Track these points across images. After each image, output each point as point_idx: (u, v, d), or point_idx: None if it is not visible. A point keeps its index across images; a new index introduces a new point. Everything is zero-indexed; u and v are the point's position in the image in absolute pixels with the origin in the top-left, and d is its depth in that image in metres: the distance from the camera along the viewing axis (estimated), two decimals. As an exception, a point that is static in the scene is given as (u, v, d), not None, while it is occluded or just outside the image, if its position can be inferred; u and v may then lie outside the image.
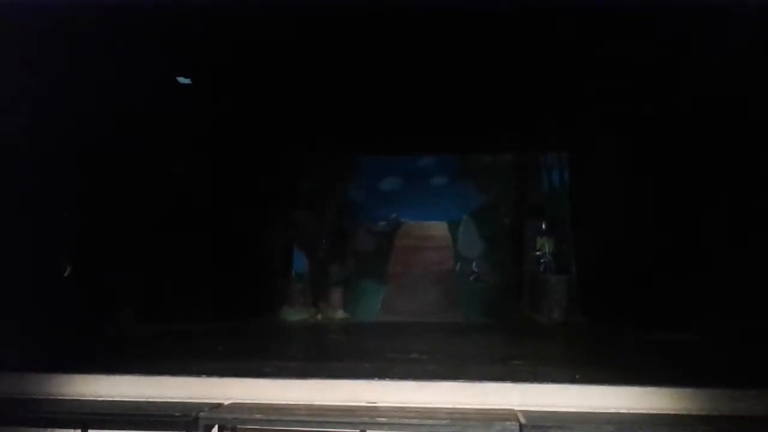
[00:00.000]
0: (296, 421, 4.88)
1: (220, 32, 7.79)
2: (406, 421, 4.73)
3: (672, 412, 4.82)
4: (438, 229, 11.92)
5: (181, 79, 9.51)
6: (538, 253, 11.39)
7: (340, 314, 11.77)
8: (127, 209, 8.56)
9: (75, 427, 5.13)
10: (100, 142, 8.17)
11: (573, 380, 5.29)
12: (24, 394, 5.33)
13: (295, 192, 12.05)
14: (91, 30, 7.23)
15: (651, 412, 4.83)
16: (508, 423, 4.55)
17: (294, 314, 11.71)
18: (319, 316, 11.79)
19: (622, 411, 4.84)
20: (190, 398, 5.19)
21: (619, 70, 8.39)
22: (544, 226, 11.44)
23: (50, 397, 5.31)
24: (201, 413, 4.85)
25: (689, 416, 4.75)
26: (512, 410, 4.81)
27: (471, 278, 11.71)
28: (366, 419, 4.78)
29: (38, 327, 6.40)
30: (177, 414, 4.88)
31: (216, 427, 4.99)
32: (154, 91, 8.93)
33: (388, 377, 5.33)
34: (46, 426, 5.19)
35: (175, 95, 9.48)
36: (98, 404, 5.18)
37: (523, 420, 4.59)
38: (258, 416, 4.90)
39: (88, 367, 5.74)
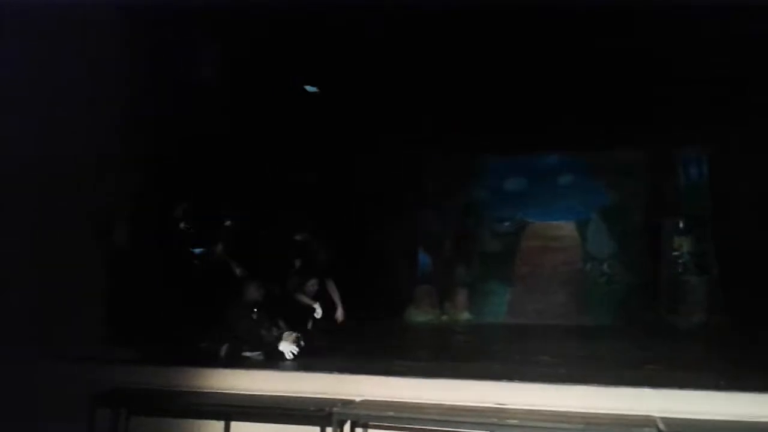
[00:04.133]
0: (427, 419, 4.94)
1: (344, 37, 8.03)
2: (538, 424, 4.66)
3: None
4: (565, 228, 11.58)
5: (309, 88, 9.90)
6: (675, 252, 10.77)
7: (465, 316, 11.72)
8: (256, 215, 8.98)
9: (219, 419, 5.49)
10: (233, 149, 8.70)
11: (717, 386, 4.99)
12: (173, 387, 5.74)
13: (420, 193, 12.13)
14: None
15: (807, 421, 4.48)
16: (647, 429, 4.39)
17: (420, 315, 11.80)
18: (445, 318, 11.81)
19: (773, 420, 4.52)
20: (324, 394, 5.36)
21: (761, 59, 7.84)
22: (681, 224, 10.81)
23: (196, 390, 5.68)
24: (335, 409, 5.02)
25: None
26: (650, 416, 4.60)
27: (602, 279, 11.27)
28: (496, 420, 4.76)
29: (185, 324, 6.85)
30: (312, 409, 5.08)
31: (348, 422, 5.16)
32: (280, 100, 9.36)
33: (517, 379, 5.27)
34: (193, 417, 5.58)
35: (303, 103, 9.87)
36: (240, 398, 5.48)
37: (662, 427, 4.40)
38: (389, 413, 5.01)
39: (230, 363, 6.13)
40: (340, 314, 8.42)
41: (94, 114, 6.72)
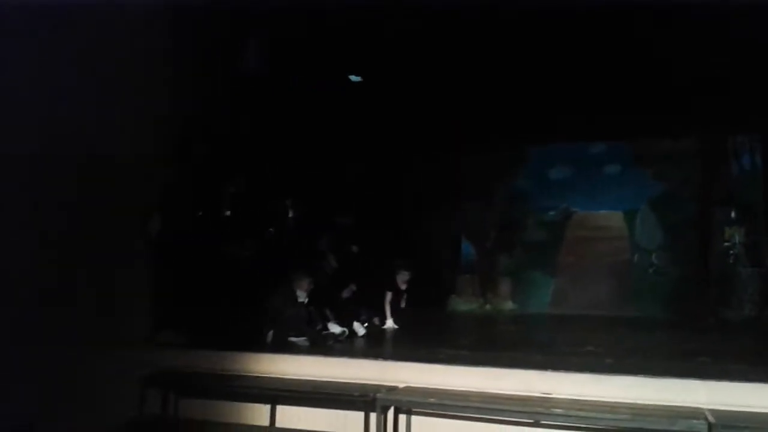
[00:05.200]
0: (470, 407, 4.94)
1: (386, 32, 8.04)
2: (583, 414, 4.62)
3: None
4: (612, 219, 11.38)
5: (353, 77, 9.93)
6: (726, 243, 10.47)
7: (508, 305, 11.68)
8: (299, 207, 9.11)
9: (265, 402, 5.60)
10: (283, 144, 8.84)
11: (768, 379, 4.86)
12: (220, 370, 5.88)
13: (464, 183, 12.07)
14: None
15: None
16: (695, 421, 4.30)
17: (462, 304, 11.81)
18: (488, 307, 11.78)
19: (826, 414, 4.38)
20: (368, 380, 5.43)
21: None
22: (733, 215, 10.49)
23: (243, 374, 5.80)
24: (378, 395, 5.06)
25: None
26: (699, 408, 4.52)
27: (650, 270, 11.04)
28: (541, 410, 4.73)
29: (234, 310, 7.01)
30: (356, 394, 5.14)
31: (392, 408, 5.19)
32: (327, 92, 9.42)
33: (562, 369, 5.22)
34: (240, 400, 5.70)
35: (347, 95, 9.92)
36: (286, 382, 5.58)
37: (711, 419, 4.31)
38: (432, 400, 5.03)
39: (276, 348, 6.23)
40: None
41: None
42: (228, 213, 7.70)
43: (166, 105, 7.14)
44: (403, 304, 8.89)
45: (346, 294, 8.12)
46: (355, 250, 8.73)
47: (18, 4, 5.74)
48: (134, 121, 6.73)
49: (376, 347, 7.03)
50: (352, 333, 7.51)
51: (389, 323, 8.49)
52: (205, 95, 7.54)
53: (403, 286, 8.80)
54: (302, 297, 7.11)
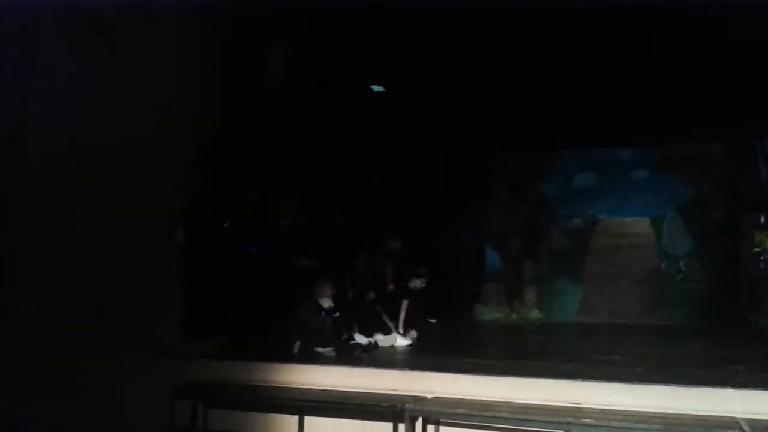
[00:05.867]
0: (499, 417, 4.90)
1: (414, 39, 8.06)
2: (615, 423, 4.55)
3: None
4: (639, 225, 11.24)
5: (375, 87, 9.98)
6: (756, 249, 10.30)
7: (534, 314, 11.58)
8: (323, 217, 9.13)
9: (293, 413, 5.61)
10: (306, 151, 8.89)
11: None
12: (249, 381, 5.90)
13: (489, 190, 12.02)
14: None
15: None
16: (730, 431, 4.23)
17: (488, 313, 11.72)
18: (514, 316, 11.69)
19: None
20: (396, 391, 5.41)
21: None
22: (763, 219, 10.32)
23: (271, 385, 5.81)
24: (407, 405, 5.04)
25: None
26: (734, 418, 4.45)
27: (678, 278, 10.88)
28: (571, 419, 4.68)
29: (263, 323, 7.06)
30: (384, 405, 5.13)
31: (420, 419, 5.17)
32: (351, 99, 9.47)
33: (593, 378, 5.16)
34: (268, 411, 5.72)
35: (371, 102, 9.96)
36: (313, 393, 5.58)
37: (747, 429, 4.24)
38: (461, 410, 5.00)
39: (303, 358, 6.25)
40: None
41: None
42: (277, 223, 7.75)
43: (192, 114, 7.23)
44: (416, 314, 8.60)
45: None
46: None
47: (45, 6, 5.86)
48: (161, 130, 6.79)
49: (403, 357, 7.01)
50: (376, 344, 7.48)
51: (399, 339, 7.77)
52: (230, 104, 7.60)
53: (417, 294, 8.57)
54: (326, 303, 7.09)
